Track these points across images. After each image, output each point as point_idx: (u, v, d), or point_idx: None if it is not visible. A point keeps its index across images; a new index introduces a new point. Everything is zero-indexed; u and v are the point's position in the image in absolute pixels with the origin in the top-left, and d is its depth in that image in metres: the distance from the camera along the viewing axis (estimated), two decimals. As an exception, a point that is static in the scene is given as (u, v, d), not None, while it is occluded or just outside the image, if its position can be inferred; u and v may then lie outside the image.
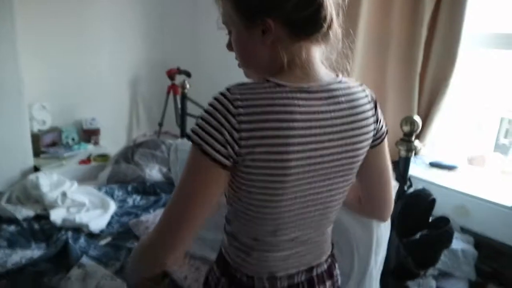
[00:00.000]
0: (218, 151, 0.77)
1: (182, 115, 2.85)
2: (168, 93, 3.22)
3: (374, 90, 0.98)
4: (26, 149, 2.50)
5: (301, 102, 0.80)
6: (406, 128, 1.49)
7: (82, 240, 1.84)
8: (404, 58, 2.03)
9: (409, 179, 1.67)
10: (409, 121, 1.49)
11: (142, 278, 0.99)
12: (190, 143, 0.94)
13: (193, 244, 1.58)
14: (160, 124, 3.26)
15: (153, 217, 1.92)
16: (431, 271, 1.81)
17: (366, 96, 0.90)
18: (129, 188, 2.36)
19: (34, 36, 2.64)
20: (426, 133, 2.13)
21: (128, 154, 2.56)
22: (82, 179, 2.53)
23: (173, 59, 3.30)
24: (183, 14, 3.44)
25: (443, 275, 2.03)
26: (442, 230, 1.56)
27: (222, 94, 0.79)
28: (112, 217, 2.05)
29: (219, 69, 3.23)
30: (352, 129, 0.86)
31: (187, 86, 2.77)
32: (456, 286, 2.12)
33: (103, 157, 2.80)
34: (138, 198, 2.29)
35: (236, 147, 0.77)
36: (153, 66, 3.37)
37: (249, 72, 0.94)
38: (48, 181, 2.18)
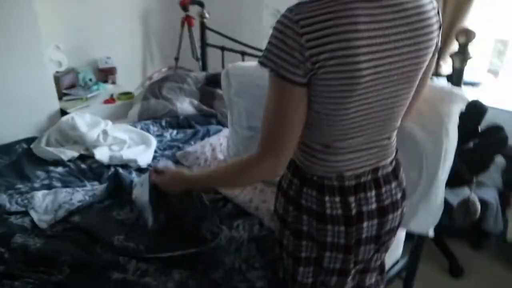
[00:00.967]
0: (294, 73, 0.82)
1: (202, 46, 2.77)
2: (183, 25, 3.09)
3: None
4: (51, 92, 2.44)
5: (364, 12, 0.81)
6: (462, 39, 1.48)
7: (133, 175, 1.86)
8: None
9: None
10: (465, 32, 1.47)
11: None
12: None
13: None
14: (177, 59, 3.18)
15: (200, 147, 1.92)
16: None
17: (431, 2, 0.90)
18: (163, 123, 2.34)
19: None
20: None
21: (155, 89, 2.51)
22: (111, 118, 2.50)
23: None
24: None
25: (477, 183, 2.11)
26: (497, 138, 1.60)
27: (285, 16, 0.81)
28: (155, 151, 2.06)
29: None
30: (418, 36, 0.88)
31: (206, 15, 2.67)
32: (488, 193, 2.23)
33: (127, 94, 2.75)
34: (174, 132, 2.29)
35: (309, 64, 0.81)
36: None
37: None
38: (84, 122, 2.15)
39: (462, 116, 1.64)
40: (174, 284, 1.22)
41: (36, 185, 1.78)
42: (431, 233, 1.48)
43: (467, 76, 2.29)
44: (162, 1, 3.23)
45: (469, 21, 2.21)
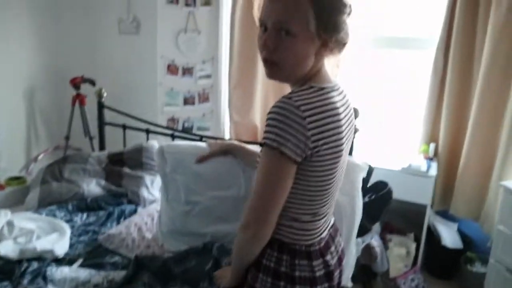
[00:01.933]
0: (295, 152, 0.97)
1: (100, 125, 2.76)
2: (74, 103, 3.04)
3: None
4: None
5: (336, 99, 1.06)
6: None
7: (53, 269, 1.74)
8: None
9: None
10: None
11: None
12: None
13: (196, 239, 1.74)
14: (67, 138, 3.07)
15: (125, 228, 1.91)
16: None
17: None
18: (70, 207, 2.23)
19: None
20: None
21: (55, 172, 2.39)
22: (3, 207, 2.28)
23: (73, 67, 3.13)
24: (78, 21, 3.25)
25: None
26: (384, 192, 1.98)
27: (286, 103, 0.96)
28: (70, 238, 1.97)
29: (124, 73, 3.20)
30: (351, 116, 1.16)
31: (104, 94, 2.70)
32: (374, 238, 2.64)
33: (18, 179, 2.55)
34: (84, 215, 2.20)
35: (309, 143, 0.97)
36: (50, 75, 3.13)
37: (274, 73, 1.08)
38: (-22, 215, 1.95)
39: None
40: None
41: None
42: (349, 284, 1.72)
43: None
44: (50, 79, 3.14)
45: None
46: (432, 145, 2.80)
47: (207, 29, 3.14)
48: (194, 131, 3.24)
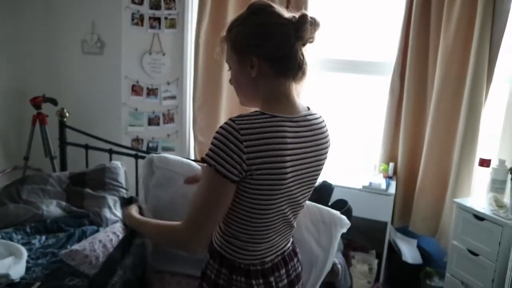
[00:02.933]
0: (229, 171, 1.02)
1: (62, 145, 2.71)
2: (34, 123, 2.97)
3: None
4: None
5: (289, 129, 1.10)
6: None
7: (8, 292, 1.68)
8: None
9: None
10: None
11: None
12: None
13: (182, 265, 1.70)
14: (26, 158, 2.99)
15: (89, 245, 1.85)
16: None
17: (324, 123, 1.24)
18: (28, 229, 2.15)
19: None
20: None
21: (12, 193, 2.31)
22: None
23: (33, 86, 3.08)
24: (40, 40, 3.21)
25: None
26: (344, 210, 2.04)
27: (229, 125, 1.03)
28: (26, 261, 1.90)
29: (88, 93, 3.17)
30: (320, 149, 1.20)
31: (67, 114, 2.67)
32: (338, 256, 2.69)
33: (-29, 202, 2.44)
34: (43, 238, 2.13)
35: (244, 166, 1.02)
36: (8, 94, 3.07)
37: (243, 101, 1.21)
38: None
39: (319, 195, 2.05)
40: None
41: None
42: None
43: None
44: (9, 98, 3.07)
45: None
46: (391, 165, 2.91)
47: (172, 51, 3.18)
48: (159, 151, 3.23)
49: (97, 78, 3.15)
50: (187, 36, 3.19)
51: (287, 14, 1.10)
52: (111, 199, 2.41)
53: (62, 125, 2.68)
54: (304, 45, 1.12)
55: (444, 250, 2.70)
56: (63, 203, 2.38)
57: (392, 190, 2.79)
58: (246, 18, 1.12)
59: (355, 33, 3.03)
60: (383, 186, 2.77)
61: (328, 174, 2.69)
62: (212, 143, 1.03)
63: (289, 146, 1.07)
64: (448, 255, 2.51)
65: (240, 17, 1.13)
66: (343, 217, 1.73)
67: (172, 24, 3.14)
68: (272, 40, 1.08)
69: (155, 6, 3.07)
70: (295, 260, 1.32)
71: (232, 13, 2.91)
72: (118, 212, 2.37)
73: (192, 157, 3.33)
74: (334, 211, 1.74)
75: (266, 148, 1.03)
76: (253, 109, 1.12)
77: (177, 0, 3.10)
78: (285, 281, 1.24)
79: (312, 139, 1.15)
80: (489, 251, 2.22)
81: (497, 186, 2.36)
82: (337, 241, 1.72)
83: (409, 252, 2.91)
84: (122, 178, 2.57)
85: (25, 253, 1.92)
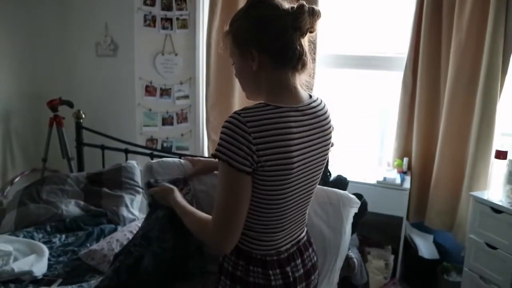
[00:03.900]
0: (242, 164, 1.03)
1: (78, 147, 2.76)
2: (51, 125, 3.03)
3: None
4: None
5: (294, 119, 1.12)
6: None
7: (31, 288, 1.72)
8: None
9: (329, 171, 2.12)
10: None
11: None
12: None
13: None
14: (44, 160, 3.04)
15: (106, 245, 1.90)
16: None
17: (326, 108, 1.25)
18: (48, 228, 2.21)
19: None
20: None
21: (33, 193, 2.37)
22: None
23: (50, 90, 3.13)
24: (55, 44, 3.27)
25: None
26: (360, 203, 2.04)
27: (235, 118, 1.04)
28: (48, 259, 1.94)
29: (102, 95, 3.22)
30: (324, 135, 1.22)
31: (83, 116, 2.71)
32: (353, 251, 2.69)
33: (-7, 203, 2.51)
34: (63, 236, 2.18)
35: (255, 157, 1.03)
36: (26, 98, 3.12)
37: (248, 94, 1.23)
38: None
39: (332, 186, 2.05)
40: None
41: None
42: None
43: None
44: (26, 102, 3.13)
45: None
46: (405, 160, 2.90)
47: (184, 51, 3.21)
48: (173, 150, 3.26)
49: (111, 80, 3.20)
50: (198, 36, 3.21)
51: (286, 5, 1.11)
52: (128, 198, 2.46)
53: (79, 127, 2.73)
54: (303, 35, 1.13)
55: (461, 245, 2.68)
56: (81, 203, 2.43)
57: (407, 185, 2.77)
58: (244, 12, 1.14)
59: (367, 29, 3.02)
60: (398, 181, 2.75)
61: (342, 169, 2.71)
62: (220, 138, 1.04)
63: (295, 135, 1.09)
64: (466, 249, 2.49)
65: (240, 11, 1.15)
66: (352, 196, 1.70)
67: (183, 25, 3.17)
68: (269, 32, 1.09)
69: (167, 7, 3.11)
70: (310, 250, 1.33)
71: (243, 12, 2.92)
72: (135, 211, 2.41)
73: (206, 155, 3.35)
74: (342, 191, 1.71)
75: (273, 139, 1.04)
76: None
77: (188, 0, 3.13)
78: (301, 271, 1.25)
79: (316, 126, 1.17)
80: (508, 244, 2.20)
81: (514, 178, 2.33)
82: (349, 222, 1.67)
83: (425, 247, 2.89)
84: (138, 177, 2.61)
85: (46, 251, 1.97)
